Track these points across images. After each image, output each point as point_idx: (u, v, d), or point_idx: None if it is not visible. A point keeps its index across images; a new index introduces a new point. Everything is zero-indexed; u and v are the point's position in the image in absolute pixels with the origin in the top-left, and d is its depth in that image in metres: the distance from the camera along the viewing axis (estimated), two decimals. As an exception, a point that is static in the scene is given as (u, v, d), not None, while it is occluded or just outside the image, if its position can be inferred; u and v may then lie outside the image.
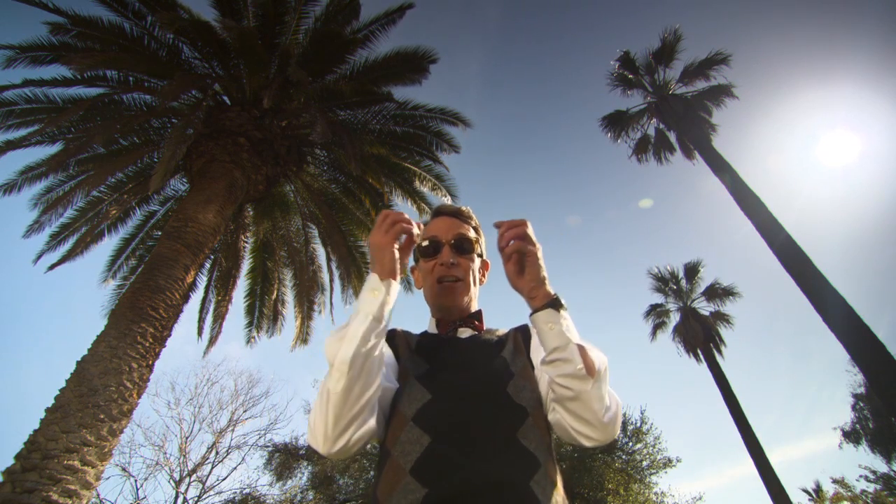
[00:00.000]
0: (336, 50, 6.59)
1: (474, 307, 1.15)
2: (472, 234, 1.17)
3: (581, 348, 0.86)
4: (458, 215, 1.18)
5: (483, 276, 1.22)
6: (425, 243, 1.15)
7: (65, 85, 6.45)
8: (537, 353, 1.00)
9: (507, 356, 1.01)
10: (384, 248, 0.90)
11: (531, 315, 0.91)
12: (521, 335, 1.09)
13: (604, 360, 0.89)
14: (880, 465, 18.10)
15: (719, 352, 15.12)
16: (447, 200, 8.03)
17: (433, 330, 1.14)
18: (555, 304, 0.89)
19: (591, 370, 0.83)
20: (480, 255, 1.20)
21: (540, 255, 0.93)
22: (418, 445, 0.82)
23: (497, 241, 0.94)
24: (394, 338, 1.08)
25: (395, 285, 0.91)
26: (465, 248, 1.14)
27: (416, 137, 7.55)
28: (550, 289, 0.92)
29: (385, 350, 0.99)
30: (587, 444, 0.87)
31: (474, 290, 1.15)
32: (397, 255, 0.92)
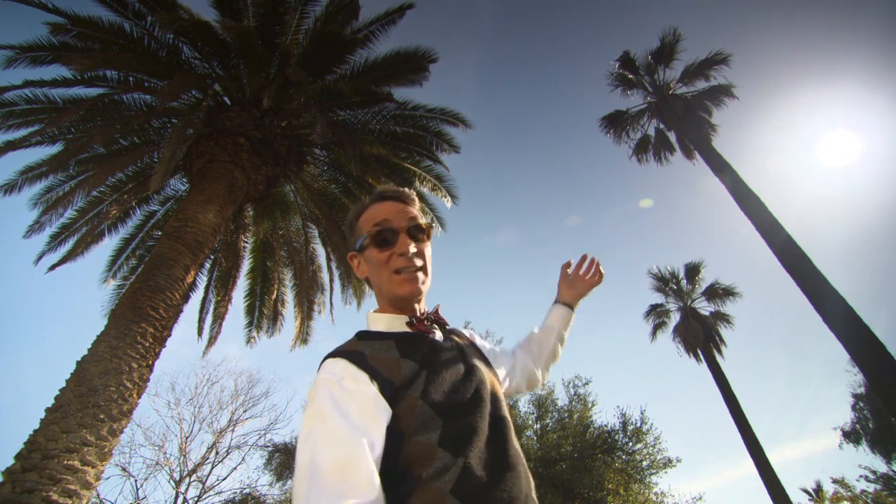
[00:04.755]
0: (336, 50, 6.58)
1: (427, 288, 1.11)
2: (421, 217, 1.10)
3: None
4: (404, 198, 1.10)
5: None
6: (376, 229, 1.05)
7: (65, 85, 6.45)
8: (503, 356, 1.31)
9: (479, 364, 1.03)
10: None
11: (567, 306, 1.52)
12: (463, 339, 1.11)
13: None
14: (880, 465, 18.12)
15: (719, 352, 15.13)
16: (447, 201, 8.04)
17: (399, 328, 1.01)
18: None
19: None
20: (430, 238, 1.13)
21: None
22: (454, 468, 0.80)
23: (579, 269, 1.57)
24: (374, 370, 0.86)
25: None
26: (420, 233, 1.07)
27: (416, 137, 7.55)
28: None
29: (369, 398, 0.83)
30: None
31: (430, 273, 1.09)
32: None
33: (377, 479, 0.74)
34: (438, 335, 1.04)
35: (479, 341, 1.19)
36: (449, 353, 0.99)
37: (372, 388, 0.83)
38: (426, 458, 0.81)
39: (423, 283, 1.04)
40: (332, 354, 0.91)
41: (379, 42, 6.94)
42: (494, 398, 0.97)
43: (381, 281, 1.04)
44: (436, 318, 1.05)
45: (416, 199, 1.13)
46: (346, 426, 0.77)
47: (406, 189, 1.12)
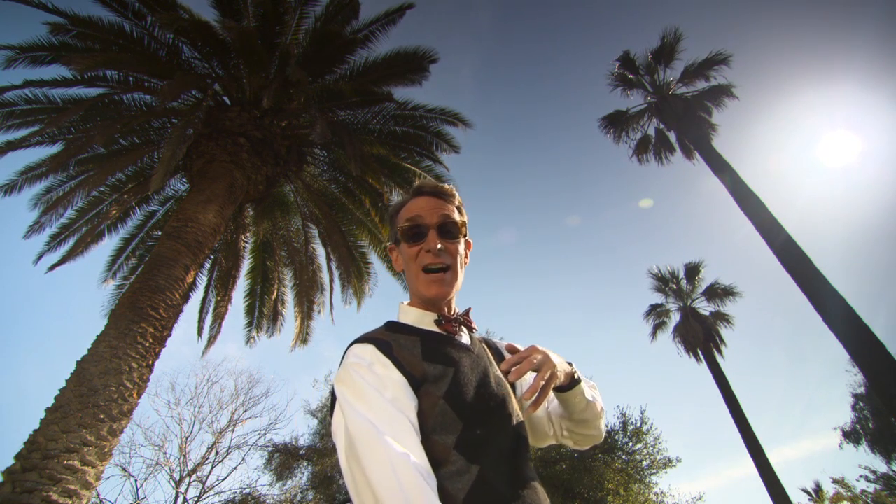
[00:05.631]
0: (336, 50, 6.59)
1: (458, 288, 1.09)
2: (457, 215, 1.09)
3: (594, 405, 1.08)
4: (441, 194, 1.09)
5: (466, 256, 1.14)
6: (407, 224, 1.06)
7: (65, 85, 6.45)
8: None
9: (497, 371, 1.02)
10: None
11: (559, 394, 1.05)
12: (492, 351, 1.10)
13: (599, 397, 1.13)
14: (880, 465, 18.13)
15: (719, 352, 15.13)
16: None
17: (427, 325, 1.02)
18: (575, 381, 1.03)
19: (601, 416, 1.11)
20: (465, 236, 1.12)
21: (555, 365, 0.93)
22: (468, 475, 0.79)
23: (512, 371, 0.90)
24: (399, 361, 0.89)
25: None
26: (451, 232, 1.05)
27: (416, 137, 7.55)
28: (567, 366, 1.02)
29: (399, 383, 0.85)
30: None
31: (461, 275, 1.08)
32: None
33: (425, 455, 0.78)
34: (465, 338, 1.04)
35: None
36: (476, 359, 0.99)
37: (399, 375, 0.85)
38: (441, 458, 0.80)
39: (450, 284, 1.03)
40: (360, 340, 0.93)
41: (379, 42, 6.96)
42: (513, 409, 0.95)
43: (410, 276, 1.06)
44: (464, 321, 1.05)
45: (455, 195, 1.12)
46: (389, 406, 0.80)
47: (445, 185, 1.12)
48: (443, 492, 0.77)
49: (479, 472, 0.79)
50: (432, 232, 1.04)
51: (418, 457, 0.74)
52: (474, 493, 0.77)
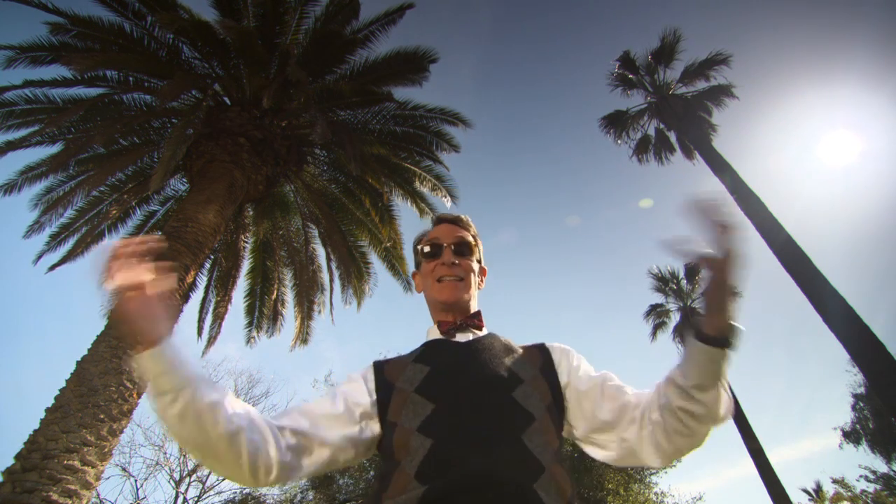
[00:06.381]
0: (336, 50, 6.59)
1: (474, 307, 1.16)
2: (471, 239, 1.20)
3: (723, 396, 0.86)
4: (458, 222, 1.23)
5: (481, 281, 1.24)
6: (427, 248, 1.18)
7: (65, 85, 6.46)
8: (573, 376, 1.01)
9: (514, 363, 0.99)
10: (129, 317, 0.82)
11: (691, 339, 0.87)
12: (540, 353, 1.06)
13: (730, 406, 0.89)
14: (880, 465, 18.13)
15: (719, 352, 15.11)
16: (447, 201, 8.04)
17: (435, 335, 1.11)
18: (726, 342, 0.85)
19: (718, 418, 0.86)
20: (479, 261, 1.23)
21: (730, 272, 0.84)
22: (422, 450, 0.82)
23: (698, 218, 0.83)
24: (382, 372, 1.02)
25: (162, 350, 0.81)
26: (465, 250, 1.17)
27: (416, 137, 7.55)
28: (731, 317, 0.87)
29: (347, 394, 0.98)
30: (652, 465, 0.95)
31: (474, 291, 1.17)
32: (146, 308, 0.83)
33: (306, 420, 0.92)
34: (462, 337, 1.09)
35: (558, 359, 1.05)
36: (466, 352, 1.02)
37: (364, 388, 1.00)
38: (405, 443, 0.86)
39: (464, 290, 1.13)
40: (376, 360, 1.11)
41: (379, 42, 6.96)
42: (507, 391, 0.91)
43: (426, 289, 1.18)
44: (464, 322, 1.11)
45: (471, 224, 1.25)
46: (328, 396, 0.99)
47: (461, 215, 1.25)
48: (402, 474, 0.82)
49: (432, 444, 0.83)
50: (447, 248, 1.16)
51: (282, 421, 0.91)
52: (422, 467, 0.80)
